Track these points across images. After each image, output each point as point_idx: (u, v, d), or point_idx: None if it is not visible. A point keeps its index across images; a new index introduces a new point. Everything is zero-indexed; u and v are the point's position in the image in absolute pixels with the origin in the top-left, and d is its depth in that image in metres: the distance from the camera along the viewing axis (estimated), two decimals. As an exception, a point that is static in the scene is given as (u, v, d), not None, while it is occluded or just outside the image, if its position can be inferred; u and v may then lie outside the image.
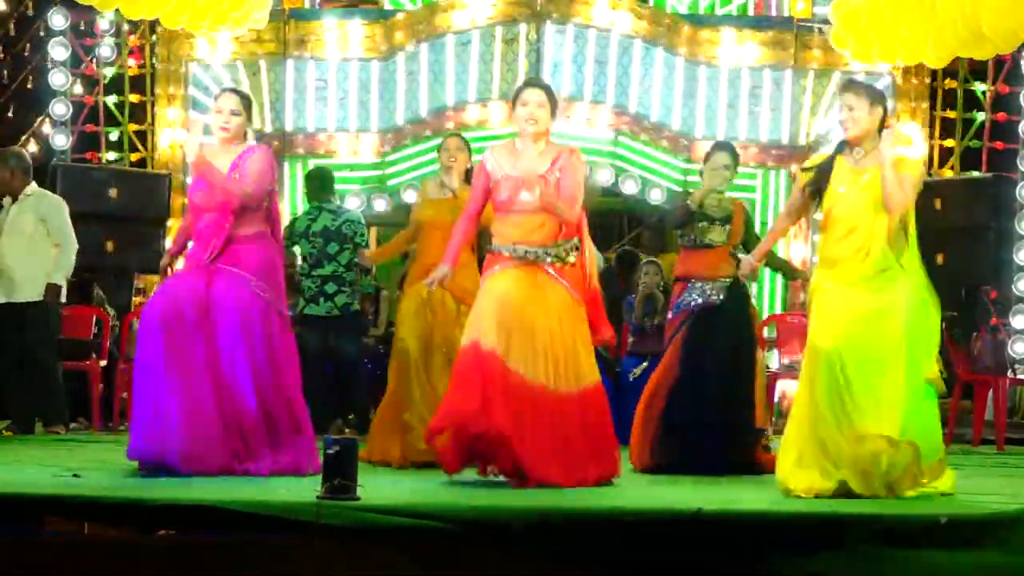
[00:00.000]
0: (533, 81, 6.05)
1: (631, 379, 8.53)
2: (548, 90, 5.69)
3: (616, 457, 5.56)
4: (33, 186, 8.21)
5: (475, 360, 5.31)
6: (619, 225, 12.63)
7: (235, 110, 5.74)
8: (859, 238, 5.09)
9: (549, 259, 5.50)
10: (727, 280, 6.67)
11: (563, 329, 5.44)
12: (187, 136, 9.62)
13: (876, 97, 5.25)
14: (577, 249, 5.59)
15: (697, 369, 6.53)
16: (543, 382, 5.33)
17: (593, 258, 5.81)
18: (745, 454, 6.49)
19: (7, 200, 8.20)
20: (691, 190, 7.43)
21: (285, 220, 10.32)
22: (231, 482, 5.17)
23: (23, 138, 10.53)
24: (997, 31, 8.55)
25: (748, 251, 6.86)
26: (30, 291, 8.02)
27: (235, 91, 5.94)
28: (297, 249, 8.48)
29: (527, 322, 5.35)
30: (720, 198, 6.77)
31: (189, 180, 5.98)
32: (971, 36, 8.82)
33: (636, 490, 5.44)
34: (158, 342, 5.48)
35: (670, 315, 6.80)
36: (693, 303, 6.64)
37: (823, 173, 5.23)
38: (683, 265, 6.80)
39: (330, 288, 8.24)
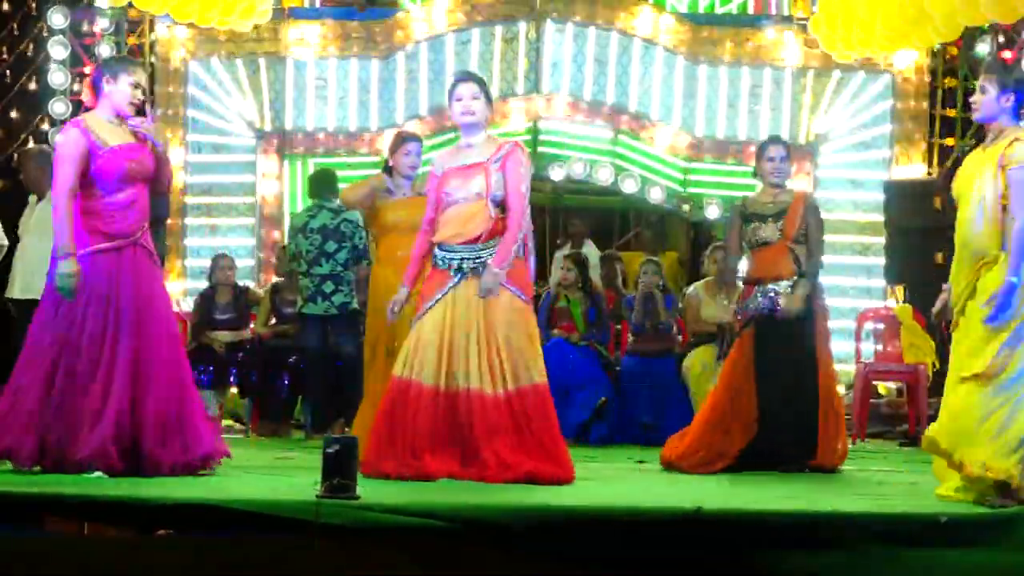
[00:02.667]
0: (464, 75, 5.80)
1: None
2: (481, 82, 5.66)
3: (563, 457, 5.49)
4: None
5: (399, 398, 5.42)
6: (618, 224, 12.62)
7: (143, 86, 5.56)
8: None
9: (473, 264, 5.46)
10: (789, 281, 6.51)
11: (499, 331, 5.43)
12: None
13: (1005, 80, 5.02)
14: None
15: (766, 377, 6.44)
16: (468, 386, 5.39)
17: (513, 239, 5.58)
18: (821, 458, 6.44)
19: (32, 197, 8.18)
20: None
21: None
22: (231, 482, 5.17)
23: (23, 137, 10.55)
24: (939, 11, 8.60)
25: (809, 246, 6.62)
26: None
27: (141, 64, 5.78)
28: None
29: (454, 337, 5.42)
30: (775, 193, 6.66)
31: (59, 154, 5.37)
32: (916, 17, 8.88)
33: (636, 490, 5.44)
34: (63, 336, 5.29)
35: (736, 318, 6.69)
36: (755, 308, 6.50)
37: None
38: (748, 267, 6.68)
39: (328, 287, 8.23)
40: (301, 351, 8.58)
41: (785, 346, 6.47)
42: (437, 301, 5.48)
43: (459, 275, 5.47)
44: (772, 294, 6.49)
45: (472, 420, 5.37)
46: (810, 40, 10.63)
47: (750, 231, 6.61)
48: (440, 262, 5.54)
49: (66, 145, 5.38)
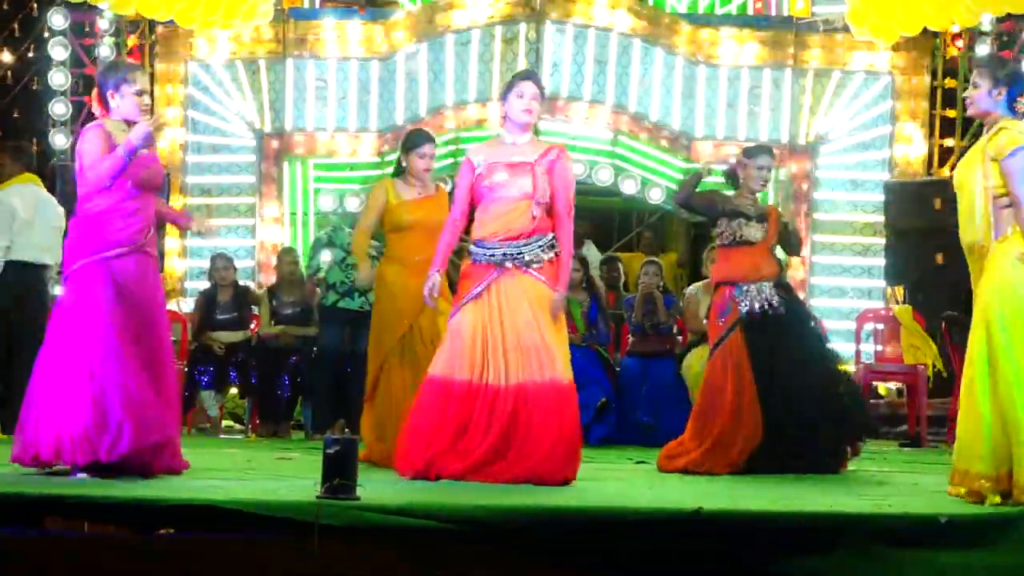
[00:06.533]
0: (528, 74, 5.90)
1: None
2: (541, 85, 5.74)
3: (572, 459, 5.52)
4: None
5: (440, 394, 5.45)
6: (619, 225, 12.62)
7: (147, 89, 5.56)
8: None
9: (526, 258, 5.49)
10: (771, 281, 6.52)
11: (536, 323, 5.46)
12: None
13: (996, 74, 5.05)
14: (554, 247, 5.54)
15: (772, 375, 6.38)
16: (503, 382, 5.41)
17: (570, 258, 5.70)
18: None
19: None
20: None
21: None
22: (231, 482, 5.17)
23: (24, 138, 10.55)
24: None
25: (792, 252, 6.93)
26: None
27: (140, 67, 5.77)
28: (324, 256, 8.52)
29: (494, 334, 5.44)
30: (751, 198, 6.68)
31: (93, 149, 5.33)
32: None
33: (636, 490, 5.44)
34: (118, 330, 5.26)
35: (718, 320, 6.55)
36: (746, 308, 6.44)
37: None
38: (722, 268, 6.65)
39: None
40: (317, 347, 8.55)
41: (785, 343, 6.45)
42: (475, 296, 5.50)
43: (499, 270, 5.49)
44: (765, 294, 6.48)
45: (518, 412, 5.38)
46: (809, 41, 10.65)
47: (732, 227, 6.57)
48: (480, 257, 5.53)
49: (95, 140, 5.37)
